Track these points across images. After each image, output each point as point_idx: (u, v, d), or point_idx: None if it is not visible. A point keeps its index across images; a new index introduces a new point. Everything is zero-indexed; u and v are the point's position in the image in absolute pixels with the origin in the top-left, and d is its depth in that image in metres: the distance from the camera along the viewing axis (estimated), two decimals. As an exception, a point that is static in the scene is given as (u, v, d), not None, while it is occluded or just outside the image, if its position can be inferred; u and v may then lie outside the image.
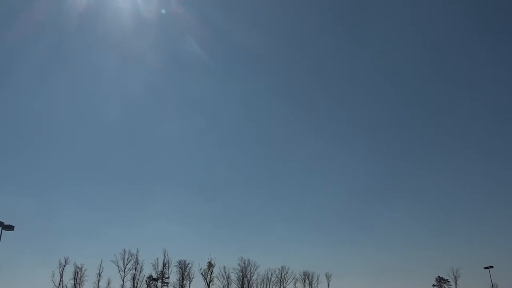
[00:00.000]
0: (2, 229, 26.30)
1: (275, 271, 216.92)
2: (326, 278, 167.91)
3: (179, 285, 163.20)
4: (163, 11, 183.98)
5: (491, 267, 61.86)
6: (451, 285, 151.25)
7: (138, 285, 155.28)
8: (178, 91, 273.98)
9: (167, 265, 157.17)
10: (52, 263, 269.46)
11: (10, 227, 26.74)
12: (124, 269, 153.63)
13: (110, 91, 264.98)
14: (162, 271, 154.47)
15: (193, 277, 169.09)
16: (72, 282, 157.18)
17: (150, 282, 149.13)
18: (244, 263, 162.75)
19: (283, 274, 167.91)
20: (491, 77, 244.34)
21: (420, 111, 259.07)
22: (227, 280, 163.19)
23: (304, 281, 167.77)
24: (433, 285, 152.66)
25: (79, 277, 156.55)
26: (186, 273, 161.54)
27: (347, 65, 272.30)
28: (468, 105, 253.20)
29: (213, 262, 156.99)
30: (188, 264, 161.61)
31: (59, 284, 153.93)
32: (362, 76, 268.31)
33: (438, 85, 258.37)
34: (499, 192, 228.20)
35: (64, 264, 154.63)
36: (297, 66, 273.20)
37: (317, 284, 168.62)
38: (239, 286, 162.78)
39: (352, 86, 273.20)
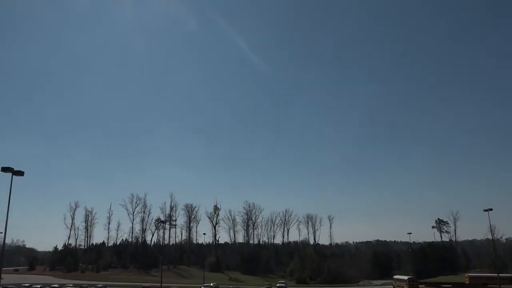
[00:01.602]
0: (12, 174, 26.64)
1: (279, 214, 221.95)
2: (329, 220, 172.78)
3: (187, 227, 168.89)
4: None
5: (491, 209, 62.80)
6: (450, 226, 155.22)
7: (147, 227, 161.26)
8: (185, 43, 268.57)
9: (174, 208, 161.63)
10: (63, 207, 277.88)
11: (20, 173, 27.03)
12: (133, 213, 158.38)
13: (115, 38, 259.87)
14: (169, 214, 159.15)
15: (199, 220, 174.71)
16: (84, 224, 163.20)
17: (159, 225, 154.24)
18: (249, 206, 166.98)
19: (286, 217, 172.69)
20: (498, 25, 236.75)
21: (422, 56, 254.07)
22: (232, 223, 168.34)
23: (307, 223, 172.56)
24: (433, 227, 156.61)
25: (90, 220, 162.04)
26: (193, 216, 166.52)
27: (351, 9, 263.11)
28: (470, 53, 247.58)
29: (218, 206, 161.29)
30: (195, 207, 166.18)
31: (71, 226, 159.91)
32: (367, 21, 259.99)
33: (440, 30, 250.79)
34: (499, 135, 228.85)
35: (74, 207, 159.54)
36: (301, 13, 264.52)
37: (320, 226, 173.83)
38: (244, 228, 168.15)
39: (356, 29, 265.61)
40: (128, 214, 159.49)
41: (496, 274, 70.67)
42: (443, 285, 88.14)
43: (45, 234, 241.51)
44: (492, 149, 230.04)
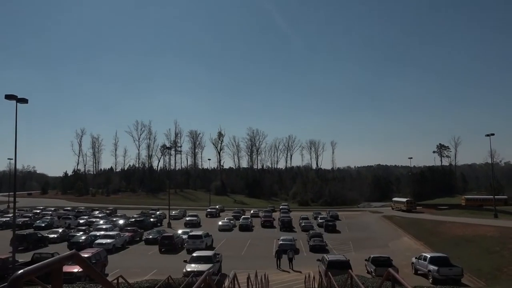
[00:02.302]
0: (16, 102, 26.77)
1: (283, 140, 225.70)
2: (331, 146, 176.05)
3: (192, 153, 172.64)
4: None
5: (493, 134, 63.25)
6: (450, 151, 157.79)
7: (153, 153, 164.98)
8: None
9: (179, 135, 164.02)
10: (70, 134, 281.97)
11: (24, 100, 27.13)
12: (139, 139, 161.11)
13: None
14: (174, 141, 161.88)
15: (204, 146, 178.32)
16: (91, 151, 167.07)
17: (164, 151, 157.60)
18: (253, 132, 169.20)
19: (290, 143, 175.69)
20: None
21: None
22: (236, 149, 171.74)
23: (310, 148, 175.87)
24: (433, 152, 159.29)
25: (97, 146, 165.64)
26: (197, 143, 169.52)
27: None
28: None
29: (223, 132, 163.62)
30: (199, 134, 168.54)
31: (79, 152, 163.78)
32: None
33: None
34: (501, 59, 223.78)
35: (81, 134, 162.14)
36: None
37: (323, 151, 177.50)
38: (248, 154, 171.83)
39: None
40: (134, 141, 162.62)
41: (492, 196, 73.15)
42: (440, 207, 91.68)
43: (55, 160, 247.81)
44: (495, 73, 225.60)
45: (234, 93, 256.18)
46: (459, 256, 35.64)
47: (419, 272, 30.98)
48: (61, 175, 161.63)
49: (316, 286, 18.76)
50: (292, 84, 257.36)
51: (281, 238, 44.09)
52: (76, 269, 23.61)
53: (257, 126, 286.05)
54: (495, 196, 74.20)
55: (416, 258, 32.19)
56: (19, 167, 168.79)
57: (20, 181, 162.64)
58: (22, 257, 30.04)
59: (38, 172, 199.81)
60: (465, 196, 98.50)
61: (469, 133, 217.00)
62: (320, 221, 67.49)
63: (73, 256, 2.29)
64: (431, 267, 28.53)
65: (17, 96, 26.42)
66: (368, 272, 30.64)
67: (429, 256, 30.16)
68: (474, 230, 48.08)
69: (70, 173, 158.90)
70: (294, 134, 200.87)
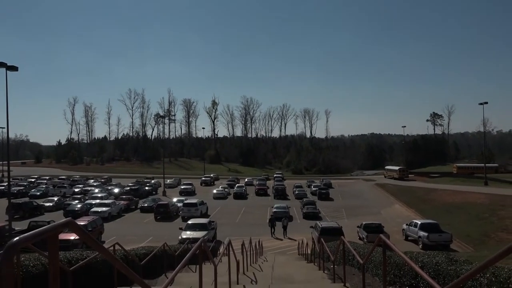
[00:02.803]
0: (6, 69, 26.27)
1: (277, 108, 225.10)
2: (326, 114, 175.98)
3: (186, 122, 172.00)
4: None
5: (486, 103, 63.41)
6: (444, 120, 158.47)
7: (147, 122, 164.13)
8: None
9: (172, 103, 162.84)
10: (62, 102, 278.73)
11: (14, 68, 26.61)
12: (132, 108, 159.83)
13: None
14: (168, 109, 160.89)
15: (198, 115, 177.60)
16: (84, 120, 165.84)
17: (158, 119, 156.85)
18: (247, 101, 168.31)
19: (284, 111, 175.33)
20: None
21: None
22: (230, 118, 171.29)
23: (304, 117, 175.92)
24: (427, 120, 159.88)
25: (90, 115, 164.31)
26: (191, 111, 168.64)
27: None
28: None
29: (217, 101, 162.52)
30: (193, 102, 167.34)
31: (72, 121, 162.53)
32: None
33: None
34: (496, 27, 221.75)
35: (73, 103, 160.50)
36: None
37: (317, 120, 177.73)
38: (242, 123, 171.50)
39: None
40: (127, 110, 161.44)
41: (483, 164, 74.17)
42: (431, 175, 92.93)
43: (48, 129, 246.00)
44: (490, 41, 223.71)
45: (228, 62, 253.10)
46: (449, 223, 36.47)
47: (409, 238, 31.74)
48: (55, 144, 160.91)
49: (309, 251, 19.20)
50: (287, 53, 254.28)
51: (275, 206, 44.73)
52: (72, 236, 23.90)
53: (251, 94, 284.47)
54: (486, 164, 75.18)
55: (407, 224, 32.90)
56: (11, 136, 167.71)
57: (13, 150, 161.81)
58: (19, 226, 30.31)
59: (31, 141, 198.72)
60: (457, 164, 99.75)
61: (463, 102, 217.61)
62: (313, 189, 68.35)
63: (69, 224, 2.31)
64: (421, 233, 29.22)
65: (6, 64, 25.92)
66: (360, 239, 31.35)
67: (419, 222, 30.82)
68: (465, 197, 49.02)
69: (63, 142, 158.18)
70: (288, 103, 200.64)
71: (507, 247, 2.67)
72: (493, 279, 5.33)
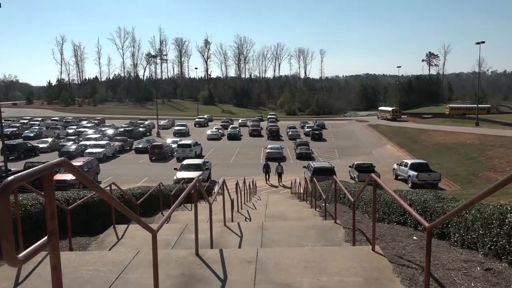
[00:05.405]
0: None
1: (271, 48, 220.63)
2: (320, 54, 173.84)
3: (178, 62, 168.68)
4: None
5: (483, 42, 62.43)
6: (439, 60, 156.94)
7: (138, 62, 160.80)
8: None
9: (164, 42, 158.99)
10: (50, 41, 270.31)
11: (-4, 5, 25.49)
12: (122, 47, 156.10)
13: None
14: (160, 49, 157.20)
15: (190, 55, 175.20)
16: (73, 59, 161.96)
17: (150, 59, 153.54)
18: (240, 40, 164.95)
19: (278, 51, 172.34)
20: None
21: None
22: (224, 57, 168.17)
23: (299, 57, 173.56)
24: (423, 60, 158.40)
25: (79, 54, 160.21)
26: (183, 51, 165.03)
27: None
28: None
29: (209, 40, 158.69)
30: (185, 41, 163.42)
31: (61, 61, 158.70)
32: None
33: None
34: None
35: (61, 42, 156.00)
36: None
37: (311, 60, 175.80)
38: (236, 63, 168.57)
39: None
40: (118, 49, 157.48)
41: (475, 105, 74.45)
42: (424, 115, 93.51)
43: (37, 69, 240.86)
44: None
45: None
46: (438, 162, 37.30)
47: (399, 177, 32.56)
48: (45, 85, 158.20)
49: (302, 190, 19.72)
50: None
51: (269, 146, 45.20)
52: (69, 177, 24.22)
53: (245, 33, 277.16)
54: (479, 105, 75.51)
55: (397, 164, 33.60)
56: (0, 76, 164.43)
57: (2, 90, 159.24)
58: (14, 167, 30.56)
59: (20, 81, 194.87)
60: (449, 105, 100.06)
61: (459, 41, 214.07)
62: (307, 130, 68.82)
63: (63, 163, 2.32)
64: (411, 172, 29.95)
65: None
66: (351, 178, 32.12)
67: (409, 162, 31.48)
68: (455, 137, 49.72)
69: (54, 82, 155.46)
70: (282, 42, 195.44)
71: (493, 185, 2.75)
72: (478, 215, 5.55)
